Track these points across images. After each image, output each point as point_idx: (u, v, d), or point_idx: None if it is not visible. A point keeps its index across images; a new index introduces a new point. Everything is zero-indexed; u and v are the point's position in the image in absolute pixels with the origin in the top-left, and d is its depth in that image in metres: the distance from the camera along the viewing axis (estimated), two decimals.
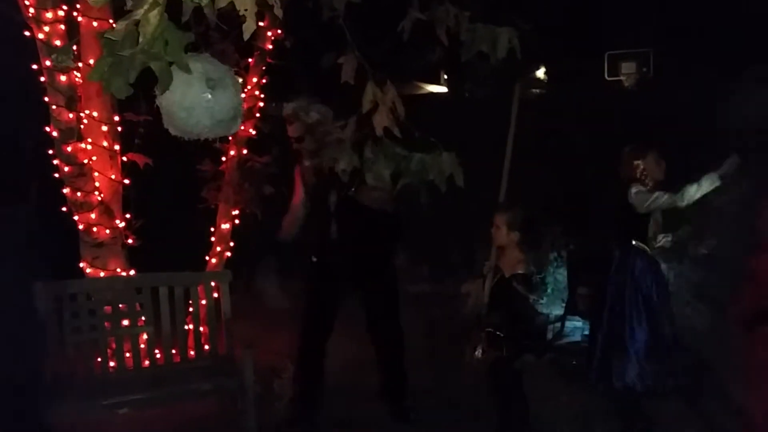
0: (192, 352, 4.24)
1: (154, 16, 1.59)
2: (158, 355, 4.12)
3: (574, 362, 4.99)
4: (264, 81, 5.13)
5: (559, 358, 5.10)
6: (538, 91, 11.09)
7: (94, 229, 4.33)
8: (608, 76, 9.62)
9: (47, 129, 4.20)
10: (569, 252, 6.17)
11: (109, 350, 4.00)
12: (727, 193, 4.06)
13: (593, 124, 7.35)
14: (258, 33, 5.00)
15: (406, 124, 2.68)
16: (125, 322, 4.03)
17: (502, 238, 3.62)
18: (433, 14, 2.83)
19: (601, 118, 7.41)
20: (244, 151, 5.09)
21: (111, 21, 4.05)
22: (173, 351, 4.12)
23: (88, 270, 4.37)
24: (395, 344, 4.11)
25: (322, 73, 3.19)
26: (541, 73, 12.06)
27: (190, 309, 4.29)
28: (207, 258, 5.02)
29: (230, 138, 5.03)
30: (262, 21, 4.92)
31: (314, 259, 4.01)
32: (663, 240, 3.96)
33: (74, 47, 4.19)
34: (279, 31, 5.11)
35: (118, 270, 4.38)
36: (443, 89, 12.52)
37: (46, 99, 4.15)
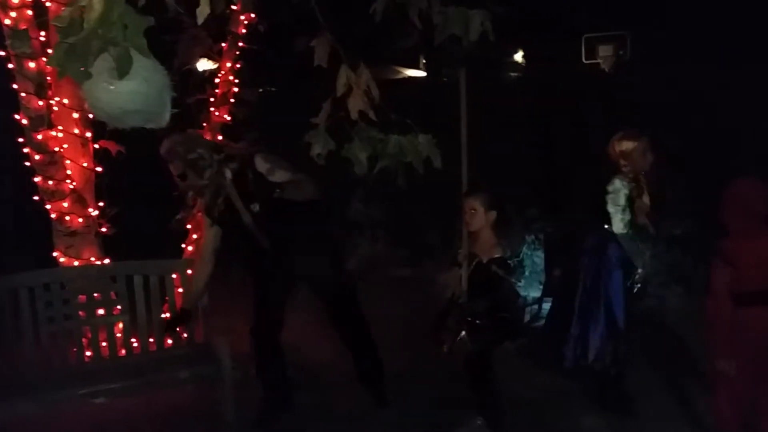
0: (169, 341, 4.21)
1: (98, 1, 1.56)
2: (135, 344, 4.09)
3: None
4: (238, 66, 5.08)
5: (534, 340, 5.15)
6: (516, 74, 11.11)
7: (67, 217, 4.27)
8: (586, 59, 9.67)
9: (17, 117, 4.13)
10: (546, 234, 6.20)
11: (84, 339, 3.96)
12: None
13: (571, 107, 7.37)
14: (231, 17, 4.94)
15: (382, 108, 2.67)
16: (100, 311, 4.00)
17: (479, 221, 3.59)
18: None
19: (578, 101, 7.43)
20: (219, 137, 5.04)
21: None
22: (150, 339, 4.10)
23: (61, 259, 4.32)
24: (357, 331, 4.02)
25: (295, 57, 3.15)
26: (519, 56, 12.08)
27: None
28: (183, 246, 4.98)
29: (204, 124, 4.99)
30: (235, 5, 4.86)
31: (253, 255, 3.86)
32: (637, 276, 3.97)
33: (43, 33, 4.12)
34: (252, 15, 5.04)
35: (92, 259, 4.34)
36: (422, 73, 12.50)
37: (15, 86, 4.07)
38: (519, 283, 5.95)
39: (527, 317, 5.61)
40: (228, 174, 3.61)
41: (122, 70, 1.73)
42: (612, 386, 3.97)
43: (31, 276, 3.86)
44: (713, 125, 6.77)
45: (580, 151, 5.79)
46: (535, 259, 6.12)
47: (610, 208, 3.82)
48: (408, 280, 6.56)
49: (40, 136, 4.11)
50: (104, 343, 3.98)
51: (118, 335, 4.09)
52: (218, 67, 5.05)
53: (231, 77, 5.04)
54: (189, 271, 4.16)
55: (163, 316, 4.14)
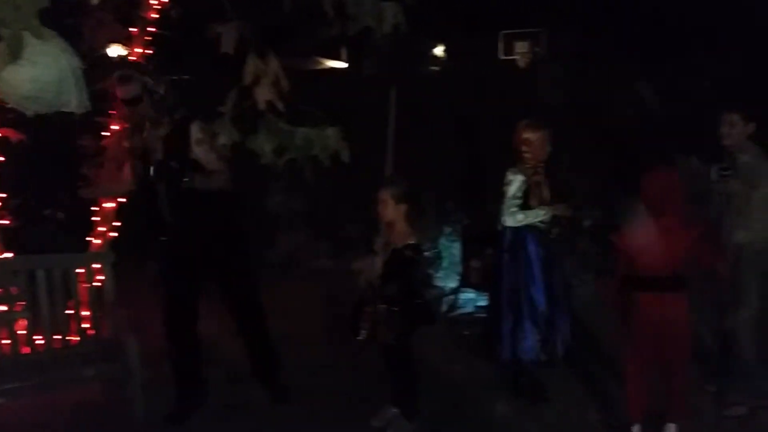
0: (76, 338, 4.04)
1: None
2: (39, 341, 3.91)
3: (466, 332, 5.13)
4: (149, 52, 4.90)
5: (452, 328, 5.24)
6: (436, 68, 11.23)
7: None
8: (503, 55, 9.87)
9: None
10: (464, 227, 6.31)
11: None
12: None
13: (488, 102, 7.50)
14: (141, 1, 4.77)
15: (292, 99, 2.63)
16: (2, 308, 3.82)
17: (390, 213, 3.63)
18: None
19: (495, 96, 7.57)
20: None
21: None
22: (55, 337, 3.92)
23: None
24: (254, 325, 3.97)
25: (206, 44, 3.07)
26: (440, 50, 12.20)
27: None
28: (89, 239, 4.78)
29: (112, 112, 4.79)
30: None
31: (162, 239, 3.82)
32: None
33: None
34: (165, 0, 4.87)
35: None
36: (344, 65, 12.43)
37: None
38: (436, 274, 6.06)
39: (445, 307, 5.72)
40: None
41: (14, 52, 1.65)
42: (525, 373, 4.07)
43: None
44: (620, 121, 7.06)
45: (494, 144, 5.90)
46: (452, 250, 6.21)
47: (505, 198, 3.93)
48: (330, 273, 6.53)
49: None
50: (7, 341, 3.80)
51: (21, 332, 3.90)
52: (128, 53, 4.87)
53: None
54: (94, 265, 4.00)
55: (66, 312, 3.97)
